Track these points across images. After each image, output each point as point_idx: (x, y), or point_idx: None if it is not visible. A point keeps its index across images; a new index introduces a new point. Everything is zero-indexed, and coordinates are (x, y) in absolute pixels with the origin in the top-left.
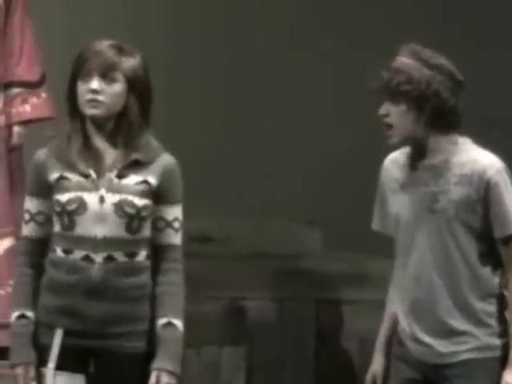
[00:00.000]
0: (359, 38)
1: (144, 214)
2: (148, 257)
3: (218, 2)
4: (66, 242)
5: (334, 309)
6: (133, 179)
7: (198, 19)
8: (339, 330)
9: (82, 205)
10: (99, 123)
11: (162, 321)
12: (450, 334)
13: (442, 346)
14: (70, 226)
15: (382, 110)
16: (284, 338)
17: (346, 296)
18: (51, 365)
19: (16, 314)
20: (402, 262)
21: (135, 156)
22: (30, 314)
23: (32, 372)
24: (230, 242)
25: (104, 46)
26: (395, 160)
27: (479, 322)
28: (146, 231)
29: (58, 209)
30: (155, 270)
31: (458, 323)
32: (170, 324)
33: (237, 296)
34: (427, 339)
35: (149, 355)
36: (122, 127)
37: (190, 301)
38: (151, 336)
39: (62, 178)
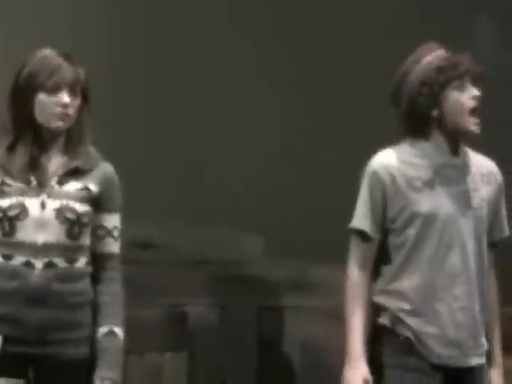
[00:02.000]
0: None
1: (85, 220)
2: (87, 263)
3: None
4: (5, 248)
5: (276, 315)
6: (73, 186)
7: (138, 22)
8: (281, 336)
9: (23, 210)
10: (54, 134)
11: (103, 329)
12: (478, 335)
13: (472, 346)
14: (10, 231)
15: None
16: (225, 344)
17: (287, 302)
18: None
19: None
20: (433, 260)
21: (76, 163)
22: None
23: None
24: (171, 248)
25: (63, 58)
26: (396, 161)
27: (483, 327)
28: (86, 238)
29: None
30: (95, 278)
31: (482, 325)
32: (111, 332)
33: (178, 302)
34: (462, 338)
35: (89, 362)
36: (73, 137)
37: (132, 307)
38: (91, 343)
39: (2, 183)
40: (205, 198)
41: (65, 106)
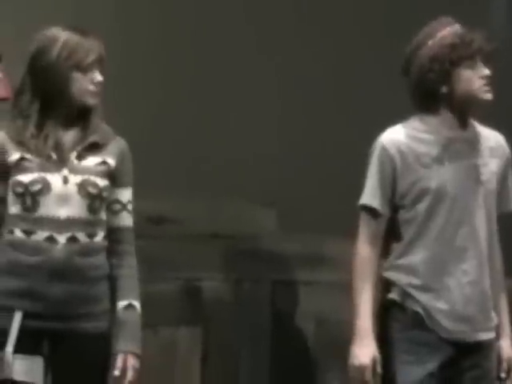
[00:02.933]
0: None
1: (105, 194)
2: (104, 238)
3: None
4: (26, 223)
5: (290, 289)
6: (92, 160)
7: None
8: (295, 311)
9: (45, 185)
10: (81, 110)
11: (122, 303)
12: (489, 309)
13: (482, 321)
14: (32, 206)
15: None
16: (240, 319)
17: (301, 277)
18: (9, 348)
19: None
20: (443, 235)
21: (94, 138)
22: None
23: None
24: (185, 222)
25: (92, 36)
26: (405, 137)
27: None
28: (104, 212)
29: (19, 190)
30: (110, 252)
31: (492, 300)
32: (130, 306)
33: (192, 277)
34: (471, 313)
35: (107, 335)
36: (87, 112)
37: (146, 281)
38: (109, 317)
39: (22, 159)
40: (218, 172)
41: (99, 83)
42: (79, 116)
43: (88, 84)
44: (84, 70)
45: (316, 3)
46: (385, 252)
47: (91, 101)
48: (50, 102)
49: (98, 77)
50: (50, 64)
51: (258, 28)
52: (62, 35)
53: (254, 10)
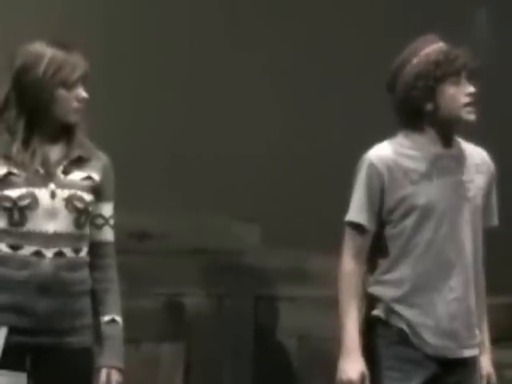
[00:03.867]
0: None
1: (90, 208)
2: (87, 252)
3: None
4: (13, 238)
5: (273, 305)
6: (77, 175)
7: (132, 13)
8: (278, 326)
9: (34, 200)
10: (65, 126)
11: (106, 318)
12: (473, 326)
13: (466, 337)
14: (20, 221)
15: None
16: (222, 334)
17: (284, 292)
18: None
19: None
20: (429, 251)
21: (78, 153)
22: None
23: None
24: (168, 238)
25: (76, 52)
26: (392, 154)
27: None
28: (87, 227)
29: (7, 204)
30: (92, 266)
31: (476, 317)
32: (113, 321)
33: (175, 292)
34: (457, 329)
35: (90, 350)
36: (70, 127)
37: (129, 296)
38: (92, 331)
39: (9, 173)
40: (202, 187)
41: (83, 100)
42: (63, 131)
43: (72, 101)
44: (69, 87)
45: (307, 5)
46: (370, 267)
47: (75, 117)
48: (35, 118)
49: (83, 93)
50: (35, 81)
51: (249, 31)
52: (47, 52)
53: (246, 10)
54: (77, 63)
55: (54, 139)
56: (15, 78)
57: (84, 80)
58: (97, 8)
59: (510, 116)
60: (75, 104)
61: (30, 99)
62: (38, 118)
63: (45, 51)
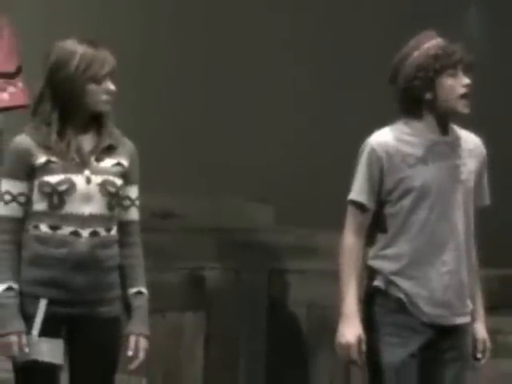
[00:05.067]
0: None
1: (121, 192)
2: (116, 231)
3: None
4: (53, 219)
5: (284, 277)
6: (109, 162)
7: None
8: (289, 297)
9: (71, 185)
10: (96, 117)
11: (133, 290)
12: (465, 296)
13: (459, 306)
14: (59, 204)
15: (470, 82)
16: (239, 304)
17: (294, 266)
18: (35, 332)
19: (3, 286)
20: (425, 228)
21: (108, 142)
22: (15, 286)
23: (24, 339)
24: (189, 217)
25: (104, 48)
26: (392, 139)
27: (469, 289)
28: (117, 208)
29: (47, 189)
30: (120, 243)
31: (468, 288)
32: (139, 293)
33: (196, 266)
34: (449, 299)
35: (119, 319)
36: (100, 118)
37: (154, 271)
38: (120, 302)
39: (48, 161)
40: (220, 171)
41: (112, 93)
42: (93, 122)
43: (102, 94)
44: (99, 81)
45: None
46: (369, 242)
47: (105, 109)
48: (68, 110)
49: (111, 86)
50: (68, 76)
51: (260, 36)
52: (78, 49)
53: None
54: (105, 59)
55: (85, 129)
56: (49, 74)
57: (112, 74)
58: (133, 13)
59: (500, 106)
60: (104, 96)
61: (62, 93)
62: (70, 110)
63: (76, 48)
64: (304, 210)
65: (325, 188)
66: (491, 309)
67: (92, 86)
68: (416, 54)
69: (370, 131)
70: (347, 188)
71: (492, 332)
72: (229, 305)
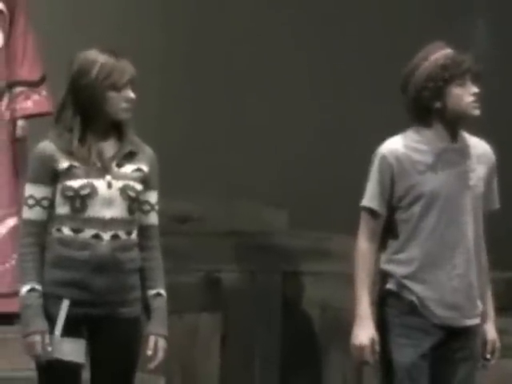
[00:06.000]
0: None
1: (141, 197)
2: (137, 235)
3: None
4: (75, 222)
5: (298, 279)
6: (129, 168)
7: (191, 17)
8: (302, 298)
9: (93, 190)
10: (115, 124)
11: (152, 291)
12: (475, 299)
13: (468, 309)
14: (81, 208)
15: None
16: (254, 305)
17: (308, 268)
18: (57, 332)
19: (27, 287)
20: (435, 233)
21: (130, 148)
22: (38, 287)
23: (47, 339)
24: (207, 221)
25: (124, 58)
26: (402, 147)
27: (479, 291)
28: (137, 213)
29: (69, 193)
30: (140, 247)
31: (478, 290)
32: (159, 294)
33: (213, 269)
34: (459, 302)
35: (139, 320)
36: (120, 125)
37: (173, 273)
38: (140, 303)
39: (71, 166)
40: (236, 177)
41: (132, 101)
42: (114, 128)
43: (122, 101)
44: (118, 89)
45: (315, 14)
46: (382, 247)
47: (125, 116)
48: (89, 117)
49: (131, 94)
50: (89, 84)
51: (277, 41)
52: (99, 58)
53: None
54: (125, 68)
55: (106, 136)
56: (71, 82)
57: (132, 82)
58: (154, 23)
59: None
60: (124, 104)
61: (84, 100)
62: (91, 117)
63: (97, 58)
64: (317, 215)
65: (338, 193)
66: (500, 310)
67: (112, 94)
68: (425, 64)
69: (382, 138)
70: (360, 193)
71: (501, 333)
72: (244, 306)
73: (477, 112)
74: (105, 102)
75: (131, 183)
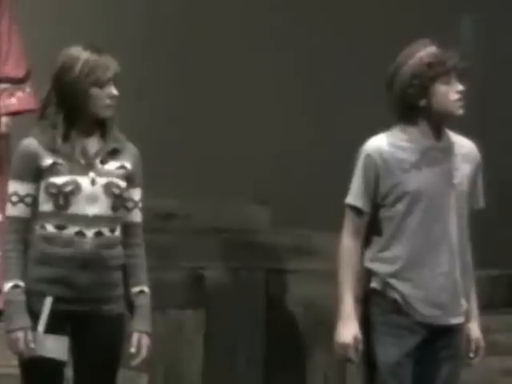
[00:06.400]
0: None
1: (124, 194)
2: (120, 232)
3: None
4: (58, 219)
5: (282, 277)
6: (113, 165)
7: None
8: (286, 295)
9: (77, 187)
10: (99, 121)
11: (136, 289)
12: (459, 297)
13: (452, 307)
14: (64, 205)
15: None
16: (238, 302)
17: (291, 266)
18: (41, 329)
19: (10, 284)
20: (419, 231)
21: (113, 145)
22: (22, 284)
23: (30, 335)
24: (190, 218)
25: (108, 54)
26: (387, 145)
27: (463, 289)
28: (121, 210)
29: (53, 190)
30: (123, 244)
31: (462, 289)
32: (142, 291)
33: (197, 265)
34: (444, 300)
35: (122, 316)
36: (104, 122)
37: (156, 269)
38: (123, 300)
39: (55, 163)
40: (220, 175)
41: (114, 97)
42: (97, 125)
43: (105, 98)
44: (102, 85)
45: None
46: (366, 244)
47: (107, 113)
48: (72, 113)
49: (114, 91)
50: (72, 81)
51: (265, 39)
52: (82, 55)
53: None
54: (108, 64)
55: (90, 133)
56: (55, 79)
57: (115, 79)
58: (138, 20)
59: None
60: (107, 101)
61: (67, 97)
62: (75, 113)
63: (80, 54)
64: (301, 212)
65: (322, 190)
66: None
67: (95, 90)
68: (410, 62)
69: (367, 135)
70: (344, 190)
71: (485, 331)
72: (228, 303)
73: (460, 112)
74: (88, 99)
75: (115, 180)
